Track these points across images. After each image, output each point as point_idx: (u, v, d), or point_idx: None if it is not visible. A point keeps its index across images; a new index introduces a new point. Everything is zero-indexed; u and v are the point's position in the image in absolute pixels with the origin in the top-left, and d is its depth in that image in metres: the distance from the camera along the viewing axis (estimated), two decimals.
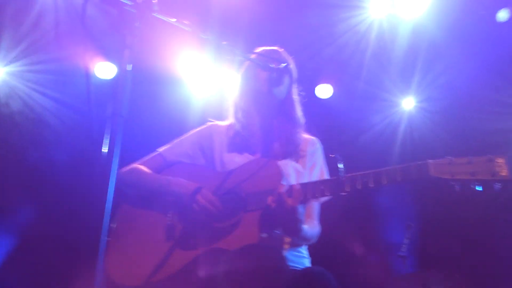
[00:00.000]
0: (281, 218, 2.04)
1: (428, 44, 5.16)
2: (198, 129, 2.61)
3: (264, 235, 2.02)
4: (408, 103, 5.95)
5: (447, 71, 5.36)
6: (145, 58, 4.47)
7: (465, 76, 5.24)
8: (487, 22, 4.80)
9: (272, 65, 2.36)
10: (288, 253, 2.27)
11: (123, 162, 2.38)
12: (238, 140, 2.46)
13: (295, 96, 2.59)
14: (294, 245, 2.32)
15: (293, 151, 2.44)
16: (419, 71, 5.45)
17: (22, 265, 5.33)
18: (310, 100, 2.73)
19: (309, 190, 2.06)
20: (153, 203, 2.31)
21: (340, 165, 2.00)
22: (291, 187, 2.05)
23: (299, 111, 2.57)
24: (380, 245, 5.89)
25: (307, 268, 2.27)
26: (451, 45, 5.03)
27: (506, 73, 5.20)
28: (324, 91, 5.74)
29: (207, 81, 5.34)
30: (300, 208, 2.03)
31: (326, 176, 2.48)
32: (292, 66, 2.57)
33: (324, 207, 2.51)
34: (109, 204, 1.58)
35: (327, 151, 2.57)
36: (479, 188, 1.84)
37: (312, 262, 2.42)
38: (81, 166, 5.07)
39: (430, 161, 1.90)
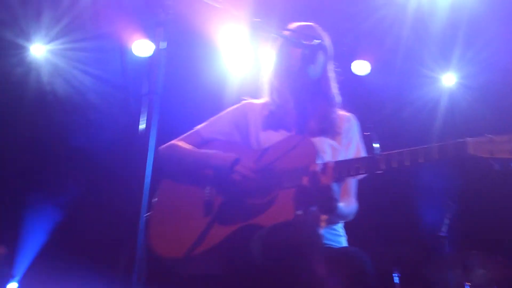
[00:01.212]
0: (315, 196, 2.03)
1: (469, 18, 4.98)
2: (234, 107, 2.62)
3: (300, 212, 2.02)
4: (448, 79, 5.80)
5: (489, 46, 5.17)
6: (180, 36, 4.51)
7: (507, 51, 5.05)
8: None
9: (305, 42, 2.31)
10: (324, 231, 2.27)
11: (160, 140, 2.43)
12: (273, 119, 2.46)
13: (331, 74, 2.54)
14: (331, 222, 2.32)
15: (329, 128, 2.42)
16: (460, 46, 5.28)
17: (68, 239, 5.54)
18: (347, 77, 2.68)
19: (343, 168, 2.04)
20: (192, 177, 2.35)
21: (375, 144, 1.97)
22: (325, 165, 2.04)
23: (334, 89, 2.52)
24: (420, 225, 5.83)
25: (342, 248, 2.27)
26: (493, 18, 4.85)
27: None
28: (361, 67, 5.64)
29: (243, 59, 5.33)
30: (335, 186, 2.02)
31: (362, 153, 2.45)
32: (327, 42, 2.51)
33: (362, 184, 2.49)
34: (147, 181, 1.61)
35: (364, 129, 2.53)
36: None
37: (349, 241, 2.42)
38: (120, 143, 5.18)
39: (469, 139, 1.84)
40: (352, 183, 2.42)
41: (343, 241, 2.38)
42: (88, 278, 5.08)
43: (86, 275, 5.12)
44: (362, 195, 2.45)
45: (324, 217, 2.27)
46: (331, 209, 2.08)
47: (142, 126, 1.69)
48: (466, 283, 4.37)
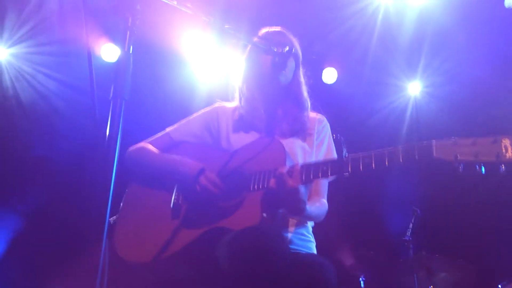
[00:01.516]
0: (282, 199, 2.04)
1: (435, 29, 5.11)
2: (205, 109, 2.61)
3: (266, 214, 2.02)
4: (414, 88, 5.91)
5: (454, 56, 5.32)
6: (148, 40, 4.47)
7: (471, 61, 5.20)
8: (495, 8, 4.74)
9: (276, 49, 2.31)
10: (293, 237, 2.27)
11: (126, 145, 2.40)
12: (243, 122, 2.46)
13: (301, 78, 2.55)
14: (300, 224, 2.32)
15: (299, 130, 2.43)
16: (425, 56, 5.41)
17: (29, 248, 5.39)
18: (317, 85, 2.70)
19: (310, 170, 2.04)
20: (159, 182, 2.33)
21: (343, 147, 1.98)
22: (292, 167, 2.04)
23: (305, 93, 2.53)
24: (384, 229, 5.91)
25: (308, 254, 2.28)
26: (458, 30, 4.98)
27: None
28: (329, 75, 5.70)
29: (212, 64, 5.32)
30: (302, 189, 2.02)
31: (333, 154, 2.47)
32: (297, 47, 2.52)
33: (328, 189, 2.50)
34: (112, 186, 1.58)
35: (333, 131, 2.54)
36: (483, 170, 1.79)
37: (316, 246, 2.42)
38: (84, 148, 5.08)
39: (434, 141, 1.85)
40: (322, 183, 2.43)
41: (312, 247, 2.38)
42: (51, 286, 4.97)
43: (49, 283, 5.01)
44: (328, 200, 2.46)
45: (293, 219, 2.28)
46: (299, 211, 2.08)
47: (107, 131, 1.65)
48: (430, 286, 4.45)
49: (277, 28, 2.56)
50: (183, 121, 2.56)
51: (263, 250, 1.84)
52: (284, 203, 2.07)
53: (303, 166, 2.05)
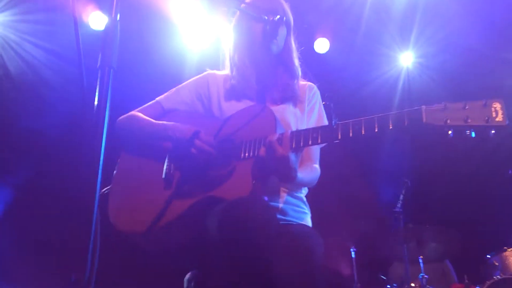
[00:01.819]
0: (273, 167, 2.02)
1: None
2: (196, 77, 2.57)
3: (257, 182, 2.01)
4: (406, 59, 5.89)
5: (447, 25, 5.27)
6: (136, 7, 4.38)
7: (464, 31, 5.16)
8: None
9: (267, 17, 2.27)
10: (286, 207, 2.27)
11: (115, 115, 2.36)
12: (235, 90, 2.42)
13: (293, 46, 2.50)
14: (295, 194, 2.32)
15: (291, 97, 2.41)
16: (418, 25, 5.36)
17: (20, 222, 5.38)
18: (309, 55, 2.66)
19: (300, 137, 2.03)
20: (151, 150, 2.30)
21: (333, 114, 1.96)
22: (281, 135, 2.03)
23: (296, 61, 2.50)
24: (375, 201, 5.96)
25: (296, 225, 2.28)
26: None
27: (505, 28, 5.12)
28: (321, 45, 5.65)
29: (201, 31, 5.24)
30: (292, 156, 2.01)
31: (324, 121, 2.46)
32: (289, 14, 2.46)
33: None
34: (101, 157, 1.55)
35: (323, 99, 2.52)
36: (472, 135, 1.78)
37: (313, 217, 2.43)
38: (73, 118, 5.02)
39: (424, 106, 1.84)
40: (314, 149, 2.42)
41: (306, 218, 2.38)
42: (41, 260, 4.98)
43: (40, 257, 5.02)
44: (320, 171, 2.45)
45: (285, 189, 2.27)
46: (290, 178, 2.07)
47: (95, 101, 1.62)
48: (420, 257, 4.51)
49: None
50: (173, 90, 2.52)
51: (250, 222, 1.83)
52: (275, 171, 2.05)
53: (292, 134, 2.03)
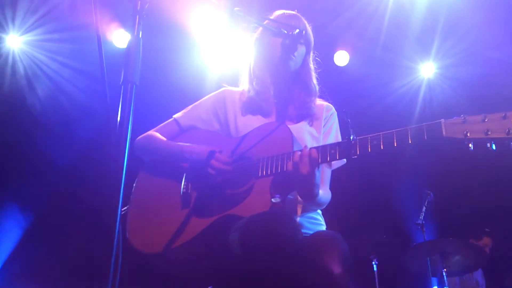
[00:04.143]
0: (298, 182, 2.03)
1: (449, 9, 5.03)
2: (212, 94, 2.59)
3: (276, 200, 2.01)
4: (427, 70, 5.85)
5: (468, 37, 5.23)
6: (157, 25, 4.45)
7: (486, 42, 5.11)
8: None
9: (286, 32, 2.29)
10: (303, 220, 2.26)
11: (138, 131, 2.40)
12: (252, 105, 2.44)
13: (311, 64, 2.52)
14: (306, 210, 2.31)
15: (307, 115, 2.42)
16: (439, 36, 5.33)
17: (43, 239, 5.44)
18: (329, 68, 2.67)
19: (320, 153, 2.03)
20: (168, 170, 2.33)
21: (350, 130, 1.96)
22: (310, 150, 2.03)
23: (314, 79, 2.51)
24: (397, 213, 5.89)
25: (318, 232, 2.27)
26: (473, 10, 4.89)
27: None
28: (341, 58, 5.66)
29: (222, 48, 5.29)
30: (317, 172, 2.02)
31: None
32: (309, 31, 2.48)
33: (341, 174, 2.49)
34: (123, 173, 1.58)
35: (340, 115, 2.53)
36: (493, 147, 1.76)
37: (328, 229, 2.41)
38: (97, 136, 5.11)
39: (443, 120, 1.82)
40: (326, 172, 2.42)
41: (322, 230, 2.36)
42: (64, 277, 5.02)
43: (62, 275, 5.06)
44: (341, 184, 2.45)
45: (300, 205, 2.27)
46: (312, 195, 2.08)
47: (118, 117, 1.65)
48: (443, 270, 4.44)
49: (292, 12, 2.52)
50: (190, 107, 2.55)
51: (274, 235, 1.82)
52: (299, 186, 2.06)
53: (317, 149, 2.03)
